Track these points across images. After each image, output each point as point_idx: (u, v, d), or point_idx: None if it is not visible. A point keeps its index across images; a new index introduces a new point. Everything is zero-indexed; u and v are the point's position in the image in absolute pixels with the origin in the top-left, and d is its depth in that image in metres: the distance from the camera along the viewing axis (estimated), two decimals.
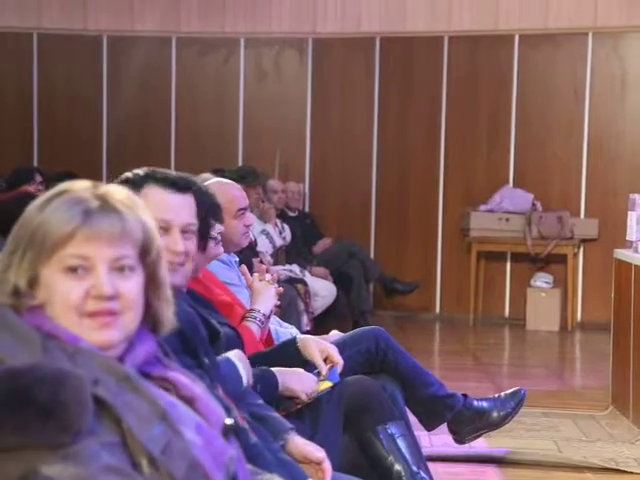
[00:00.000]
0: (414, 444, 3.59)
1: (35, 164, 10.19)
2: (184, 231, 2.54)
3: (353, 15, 10.42)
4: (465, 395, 4.26)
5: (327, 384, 3.28)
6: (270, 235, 8.50)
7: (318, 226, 10.11)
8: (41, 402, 1.58)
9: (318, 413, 3.21)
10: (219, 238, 3.26)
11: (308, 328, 7.65)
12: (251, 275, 3.99)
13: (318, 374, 3.31)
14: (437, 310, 10.41)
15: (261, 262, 6.59)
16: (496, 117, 10.27)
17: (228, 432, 1.90)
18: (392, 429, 3.48)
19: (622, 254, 6.20)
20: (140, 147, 10.46)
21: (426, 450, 4.49)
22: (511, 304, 10.25)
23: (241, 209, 3.92)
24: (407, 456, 3.49)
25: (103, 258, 1.77)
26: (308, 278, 8.51)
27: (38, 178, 8.14)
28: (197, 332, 2.58)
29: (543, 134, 10.17)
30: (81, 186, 1.82)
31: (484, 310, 10.17)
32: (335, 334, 4.00)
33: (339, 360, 3.36)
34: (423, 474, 3.50)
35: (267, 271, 4.01)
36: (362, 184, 10.46)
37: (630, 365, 5.88)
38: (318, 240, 9.75)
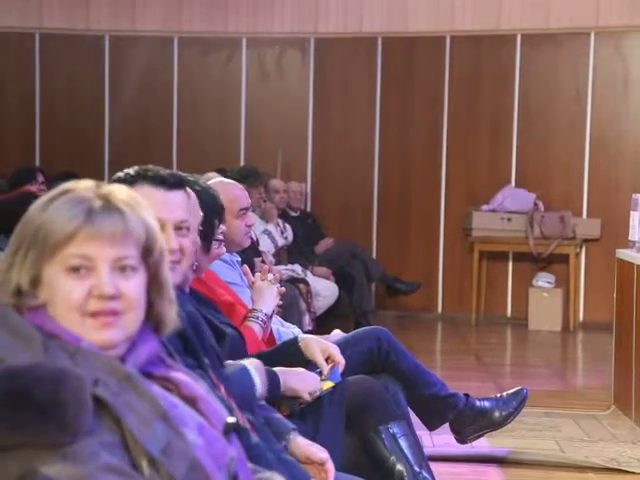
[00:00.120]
0: (416, 444, 3.59)
1: (37, 164, 10.19)
2: (177, 228, 2.53)
3: (355, 15, 10.42)
4: (467, 395, 4.26)
5: (329, 384, 3.28)
6: (272, 235, 8.50)
7: (320, 226, 10.11)
8: (40, 402, 1.58)
9: (320, 413, 3.21)
10: (221, 238, 3.26)
11: (310, 328, 7.65)
12: (253, 275, 3.99)
13: (320, 374, 3.31)
14: (439, 310, 10.41)
15: (263, 262, 6.58)
16: (498, 117, 10.27)
17: (230, 431, 1.90)
18: (394, 429, 3.48)
19: (624, 254, 6.19)
20: (142, 147, 10.47)
21: (428, 450, 4.48)
22: (513, 304, 10.25)
23: (243, 209, 3.92)
24: (409, 456, 3.49)
25: (105, 258, 1.77)
26: (310, 278, 8.51)
27: (40, 178, 8.13)
28: (198, 332, 2.58)
29: (545, 134, 10.17)
30: (84, 186, 1.82)
31: (486, 310, 10.17)
32: (337, 333, 4.00)
33: (341, 360, 3.35)
34: (425, 474, 3.50)
35: (269, 271, 4.02)
36: (364, 184, 10.46)
37: (632, 365, 5.87)
38: (320, 240, 9.76)
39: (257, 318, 3.77)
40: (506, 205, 9.98)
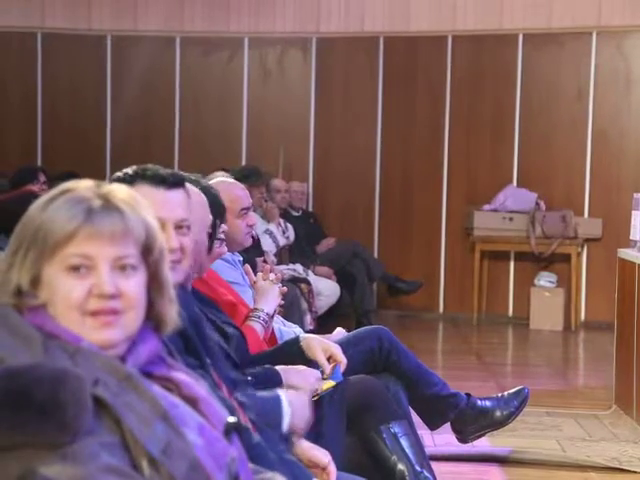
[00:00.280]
0: (417, 443, 3.59)
1: (39, 163, 10.20)
2: (178, 227, 2.53)
3: (357, 15, 10.42)
4: (468, 394, 4.26)
5: (330, 383, 3.28)
6: (273, 234, 8.50)
7: (321, 225, 10.11)
8: (40, 402, 1.58)
9: (321, 413, 3.21)
10: (223, 238, 3.27)
11: (311, 327, 7.64)
12: (255, 274, 4.00)
13: (321, 373, 3.31)
14: (440, 309, 10.41)
15: (265, 262, 6.59)
16: (500, 117, 10.27)
17: (230, 431, 1.90)
18: (395, 428, 3.48)
19: (626, 253, 6.19)
20: (144, 146, 10.47)
21: (429, 449, 4.48)
22: (515, 303, 10.25)
23: (244, 209, 3.93)
24: (410, 455, 3.49)
25: (105, 257, 1.77)
26: (311, 277, 8.51)
27: (42, 178, 8.13)
28: (200, 331, 2.58)
29: (547, 133, 10.17)
30: (84, 185, 1.82)
31: (488, 309, 10.17)
32: (340, 332, 4.00)
33: (342, 359, 3.36)
34: (426, 473, 3.50)
35: (271, 270, 4.02)
36: (365, 184, 10.46)
37: (634, 364, 5.87)
38: (321, 239, 9.76)
39: (259, 318, 3.77)
40: (508, 205, 9.97)
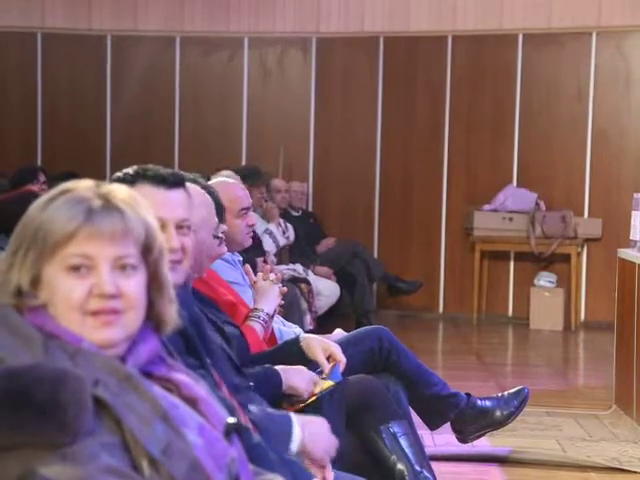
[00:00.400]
0: (417, 443, 3.59)
1: (39, 163, 10.20)
2: (179, 227, 2.53)
3: (357, 14, 10.42)
4: (468, 394, 4.26)
5: (329, 383, 3.29)
6: (273, 235, 8.50)
7: (321, 225, 10.11)
8: (40, 402, 1.58)
9: (321, 413, 3.21)
10: (223, 237, 3.26)
11: (311, 327, 7.64)
12: (255, 274, 4.00)
13: (321, 372, 3.31)
14: (440, 309, 10.41)
15: (265, 262, 6.59)
16: (500, 117, 10.27)
17: (230, 432, 1.90)
18: (395, 428, 3.48)
19: (626, 253, 6.19)
20: (144, 146, 10.47)
21: (429, 449, 4.48)
22: (515, 303, 10.25)
23: (244, 209, 3.93)
24: (410, 455, 3.49)
25: (105, 257, 1.77)
26: (311, 277, 8.51)
27: (42, 177, 8.13)
28: (200, 331, 2.58)
29: (547, 133, 10.17)
30: (83, 185, 1.82)
31: (487, 309, 10.17)
32: (339, 333, 4.01)
33: (342, 358, 3.36)
34: (426, 473, 3.50)
35: (271, 271, 4.02)
36: (365, 184, 10.46)
37: (634, 364, 5.87)
38: (321, 239, 9.76)
39: (259, 318, 3.77)
40: (507, 205, 9.98)
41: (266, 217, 8.60)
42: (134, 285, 1.80)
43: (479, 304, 10.09)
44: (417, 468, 3.48)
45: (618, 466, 4.96)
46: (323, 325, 7.82)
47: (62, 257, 1.75)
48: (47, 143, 10.77)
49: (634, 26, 9.93)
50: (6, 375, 1.60)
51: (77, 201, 1.77)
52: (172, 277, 1.94)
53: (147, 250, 1.83)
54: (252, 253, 5.64)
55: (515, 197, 10.00)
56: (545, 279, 9.92)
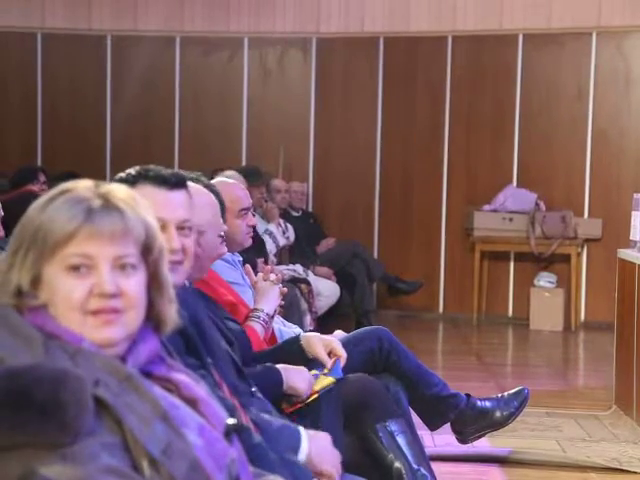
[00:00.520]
0: (415, 441, 3.58)
1: (39, 163, 10.20)
2: (180, 228, 2.53)
3: (357, 15, 10.41)
4: (468, 395, 4.26)
5: (330, 379, 3.29)
6: (273, 235, 8.49)
7: (321, 226, 10.11)
8: (40, 402, 1.58)
9: (319, 413, 3.22)
10: (223, 237, 3.26)
11: (311, 328, 7.63)
12: (255, 275, 4.00)
13: (322, 368, 3.31)
14: (440, 310, 10.41)
15: (265, 263, 6.58)
16: (500, 117, 10.27)
17: (230, 432, 1.90)
18: (392, 426, 3.48)
19: (626, 254, 6.19)
20: (144, 146, 10.47)
21: (429, 450, 4.48)
22: (515, 304, 10.24)
23: (244, 209, 3.92)
24: (407, 453, 3.48)
25: (105, 256, 1.77)
26: (311, 278, 8.50)
27: (42, 178, 8.14)
28: (201, 331, 2.58)
29: (547, 133, 10.17)
30: (83, 185, 1.82)
31: (487, 310, 10.17)
32: (339, 333, 4.01)
33: (343, 353, 3.36)
34: (424, 471, 3.49)
35: (271, 271, 4.02)
36: (365, 184, 10.46)
37: (633, 365, 5.87)
38: (321, 240, 9.75)
39: (259, 318, 3.78)
40: (507, 205, 9.98)
41: (266, 217, 8.60)
42: (134, 284, 1.80)
43: (479, 304, 10.09)
44: (415, 466, 3.47)
45: (618, 467, 4.96)
46: (323, 325, 7.81)
47: (62, 257, 1.75)
48: (47, 143, 10.77)
49: (634, 26, 9.93)
50: (7, 375, 1.60)
51: (77, 201, 1.77)
52: (172, 278, 1.94)
53: (147, 250, 1.83)
54: (251, 253, 5.63)
55: (515, 197, 10.00)
56: (545, 279, 9.92)
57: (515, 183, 10.22)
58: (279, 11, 10.53)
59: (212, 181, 3.65)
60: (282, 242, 8.62)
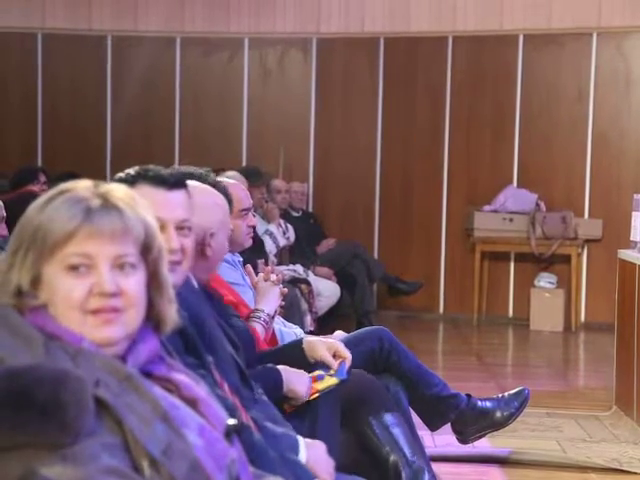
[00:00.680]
0: (411, 433, 3.58)
1: (39, 164, 10.19)
2: (179, 228, 2.53)
3: (357, 15, 10.41)
4: (469, 395, 4.26)
5: (334, 380, 3.29)
6: (274, 235, 8.49)
7: (321, 226, 10.11)
8: (41, 402, 1.58)
9: (317, 413, 3.22)
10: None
11: (312, 328, 7.64)
12: (255, 275, 4.00)
13: (328, 369, 3.32)
14: (441, 310, 10.41)
15: (265, 263, 6.58)
16: (500, 117, 10.27)
17: (231, 433, 1.90)
18: (386, 419, 3.47)
19: (626, 254, 6.19)
20: (144, 147, 10.47)
21: (429, 450, 4.48)
22: (515, 304, 10.24)
23: (244, 209, 3.92)
24: (402, 445, 3.47)
25: (105, 256, 1.77)
26: (312, 278, 8.50)
27: (42, 178, 8.14)
28: (202, 329, 2.58)
29: (547, 134, 10.17)
30: (82, 185, 1.82)
31: (488, 310, 10.17)
32: (339, 334, 4.01)
33: (347, 355, 3.37)
34: (420, 462, 3.48)
35: (272, 271, 4.02)
36: (366, 184, 10.46)
37: (634, 365, 5.87)
38: (322, 240, 9.75)
39: (259, 318, 3.77)
40: (508, 205, 9.97)
41: (266, 218, 8.59)
42: (134, 283, 1.80)
43: (479, 305, 10.09)
44: (410, 458, 3.47)
45: (618, 467, 4.96)
46: (323, 326, 7.82)
47: (62, 257, 1.75)
48: (47, 143, 10.77)
49: (634, 27, 9.93)
50: (7, 375, 1.60)
51: (76, 201, 1.77)
52: (171, 278, 1.94)
53: (146, 249, 1.83)
54: (252, 254, 5.63)
55: (515, 198, 9.99)
56: (545, 280, 9.92)
57: (515, 183, 10.22)
58: (279, 11, 10.53)
59: None
60: (282, 242, 8.62)
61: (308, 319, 7.83)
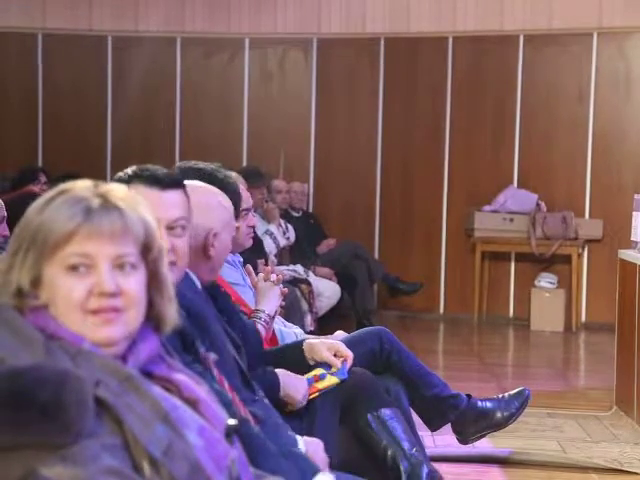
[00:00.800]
0: (408, 426, 3.57)
1: (40, 164, 10.20)
2: (170, 228, 2.53)
3: (358, 16, 10.41)
4: (469, 395, 4.26)
5: (334, 380, 3.29)
6: (274, 235, 8.49)
7: (322, 226, 10.11)
8: (42, 403, 1.58)
9: (315, 412, 3.22)
10: None
11: (312, 328, 7.64)
12: (255, 275, 4.00)
13: (329, 368, 3.33)
14: (441, 310, 10.41)
15: (265, 263, 6.58)
16: (501, 117, 10.26)
17: (231, 433, 1.90)
18: (383, 414, 3.47)
19: (627, 255, 6.19)
20: (144, 147, 10.47)
21: (430, 450, 4.47)
22: (515, 304, 10.24)
23: (245, 209, 3.92)
24: (399, 438, 3.47)
25: (105, 255, 1.77)
26: (312, 278, 8.50)
27: (43, 178, 8.15)
28: (201, 324, 2.58)
29: (548, 134, 10.17)
30: (82, 185, 1.82)
31: (488, 310, 10.17)
32: (340, 334, 4.01)
33: (349, 354, 3.37)
34: (418, 456, 3.48)
35: (272, 272, 4.02)
36: (366, 184, 10.46)
37: (634, 366, 5.87)
38: (322, 240, 9.75)
39: (260, 319, 3.77)
40: (508, 206, 9.97)
41: (267, 218, 8.59)
42: (134, 283, 1.80)
43: (480, 305, 10.09)
44: (408, 451, 3.46)
45: (618, 467, 4.96)
46: (324, 326, 7.81)
47: (62, 257, 1.75)
48: (48, 144, 10.77)
49: (635, 27, 9.93)
50: (8, 375, 1.60)
51: (76, 201, 1.77)
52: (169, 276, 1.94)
53: (146, 249, 1.83)
54: (252, 254, 5.63)
55: (516, 198, 10.00)
56: (546, 280, 9.92)
57: (516, 184, 10.22)
58: (280, 12, 10.53)
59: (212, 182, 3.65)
60: (283, 242, 8.62)
61: (308, 319, 7.83)
